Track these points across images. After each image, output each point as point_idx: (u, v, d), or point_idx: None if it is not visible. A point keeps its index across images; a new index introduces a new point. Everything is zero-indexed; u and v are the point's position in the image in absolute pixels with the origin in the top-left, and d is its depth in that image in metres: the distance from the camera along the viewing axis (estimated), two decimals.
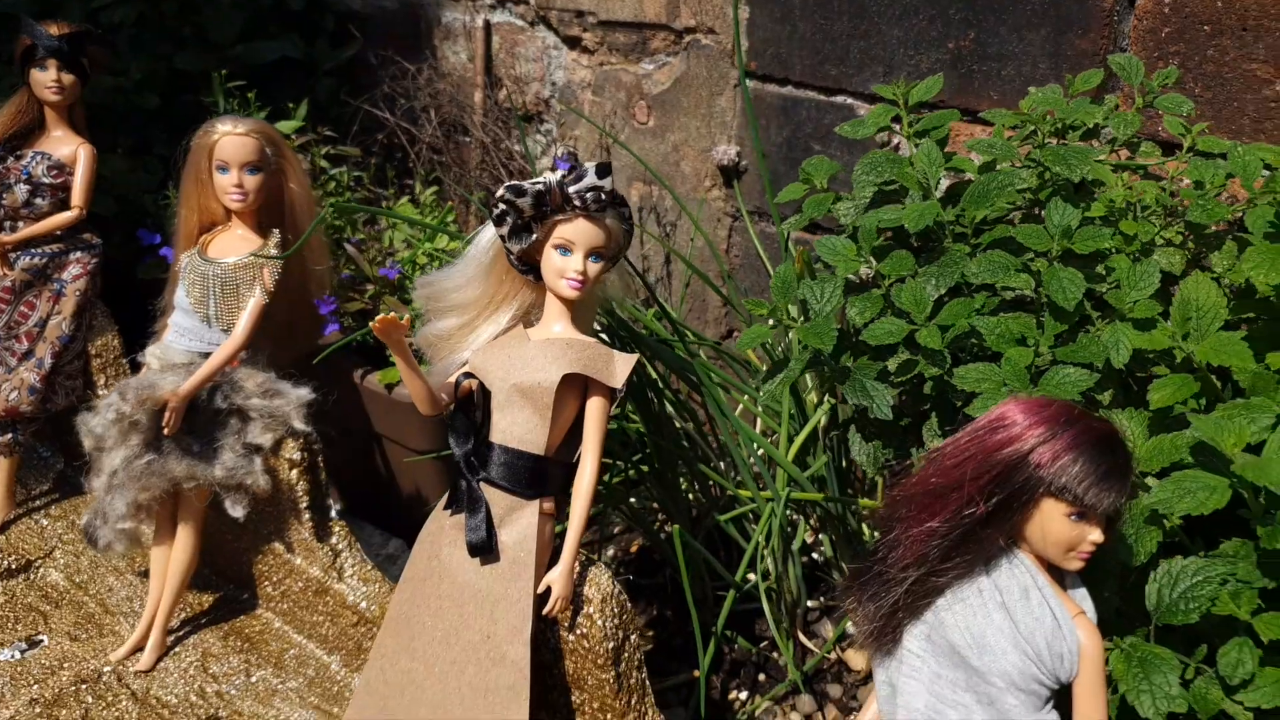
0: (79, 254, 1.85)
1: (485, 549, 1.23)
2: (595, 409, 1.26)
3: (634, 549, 1.99)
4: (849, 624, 1.54)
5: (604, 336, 1.45)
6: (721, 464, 1.76)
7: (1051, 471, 0.84)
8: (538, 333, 1.29)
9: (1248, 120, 1.46)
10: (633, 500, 1.85)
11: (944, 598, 0.90)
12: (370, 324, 1.15)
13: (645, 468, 1.74)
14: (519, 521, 1.25)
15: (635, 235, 2.26)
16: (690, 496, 1.83)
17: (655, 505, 1.88)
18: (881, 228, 1.32)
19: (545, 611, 1.24)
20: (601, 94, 2.20)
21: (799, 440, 1.60)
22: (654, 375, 1.60)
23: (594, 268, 1.25)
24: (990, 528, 0.86)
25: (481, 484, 1.25)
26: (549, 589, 1.24)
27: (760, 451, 1.67)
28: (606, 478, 1.83)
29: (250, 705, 1.55)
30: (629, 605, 1.28)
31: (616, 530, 2.05)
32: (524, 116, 2.34)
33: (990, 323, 1.16)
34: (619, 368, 1.26)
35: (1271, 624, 0.98)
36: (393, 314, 1.15)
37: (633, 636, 1.27)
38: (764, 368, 1.84)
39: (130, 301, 1.92)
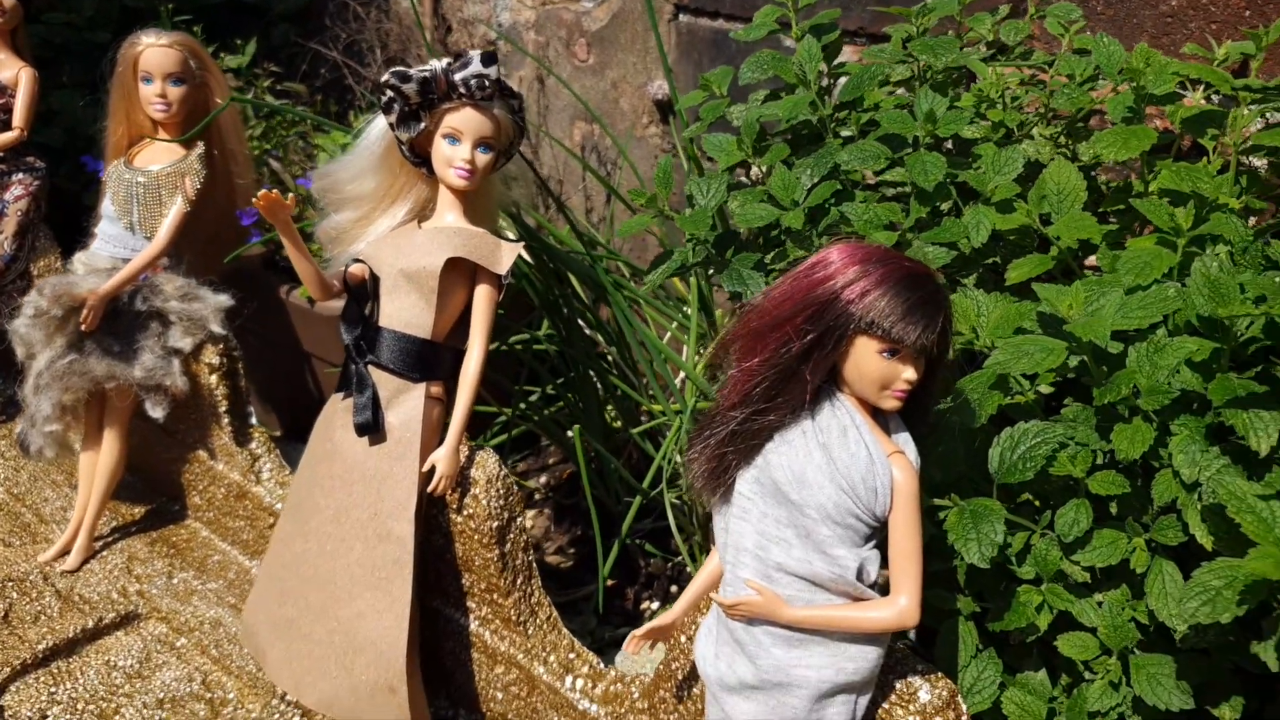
0: (21, 175, 1.89)
1: (371, 429, 1.27)
2: (482, 296, 1.30)
3: (565, 476, 2.03)
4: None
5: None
6: (652, 395, 1.79)
7: (860, 307, 0.87)
8: (430, 223, 1.32)
9: (1147, 35, 1.49)
10: (569, 434, 1.88)
11: (772, 441, 0.93)
12: (253, 200, 1.19)
13: (571, 395, 1.77)
14: (406, 403, 1.28)
15: (578, 173, 2.31)
16: (618, 425, 1.85)
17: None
18: (776, 131, 1.35)
19: (430, 489, 1.27)
20: (544, 33, 2.23)
21: (709, 353, 1.63)
22: (576, 287, 1.63)
23: (483, 158, 1.28)
24: (807, 364, 0.89)
25: (370, 367, 1.29)
26: (434, 468, 1.27)
27: (681, 376, 1.69)
28: (534, 399, 1.87)
29: (169, 603, 1.59)
30: (515, 489, 1.31)
31: (552, 461, 2.09)
32: None
33: (858, 209, 1.19)
34: (505, 255, 1.29)
35: (1104, 481, 1.01)
36: (275, 191, 1.18)
37: (519, 519, 1.31)
38: (691, 297, 1.86)
39: (79, 229, 1.96)
